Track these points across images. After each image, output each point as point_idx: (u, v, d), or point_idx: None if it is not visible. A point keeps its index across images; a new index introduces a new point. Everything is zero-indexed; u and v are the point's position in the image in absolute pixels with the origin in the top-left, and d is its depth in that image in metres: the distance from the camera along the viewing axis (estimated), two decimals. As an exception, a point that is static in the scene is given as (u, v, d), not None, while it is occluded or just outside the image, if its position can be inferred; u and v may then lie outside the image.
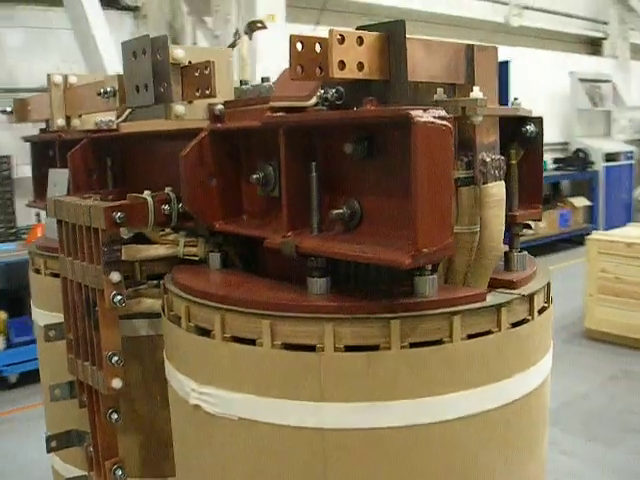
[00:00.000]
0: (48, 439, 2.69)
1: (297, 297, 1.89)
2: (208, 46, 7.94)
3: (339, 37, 1.61)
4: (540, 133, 2.16)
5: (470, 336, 1.86)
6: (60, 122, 2.69)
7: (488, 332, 1.89)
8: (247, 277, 2.19)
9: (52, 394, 2.61)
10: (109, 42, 5.79)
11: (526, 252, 2.18)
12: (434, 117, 1.59)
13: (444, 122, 1.61)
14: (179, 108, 2.11)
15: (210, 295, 1.97)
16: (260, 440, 1.89)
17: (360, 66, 1.65)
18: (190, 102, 2.14)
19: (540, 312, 2.07)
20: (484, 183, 1.92)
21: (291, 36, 1.64)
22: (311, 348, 1.81)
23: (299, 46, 1.63)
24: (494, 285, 2.05)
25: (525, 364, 1.97)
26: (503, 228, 1.97)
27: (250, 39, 3.97)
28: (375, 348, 1.80)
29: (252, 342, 1.87)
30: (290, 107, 2.04)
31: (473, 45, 1.88)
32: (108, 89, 2.37)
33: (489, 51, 1.92)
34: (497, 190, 1.93)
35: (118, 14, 9.10)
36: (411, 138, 1.57)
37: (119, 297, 2.29)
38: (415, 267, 1.66)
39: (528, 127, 2.15)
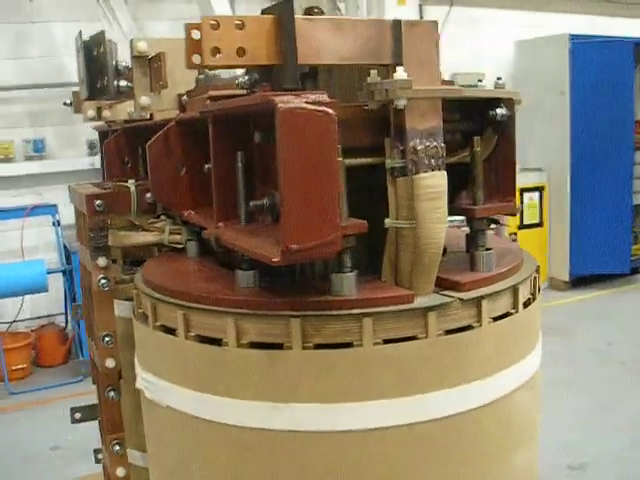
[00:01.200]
0: (72, 411, 2.90)
1: (214, 289, 1.85)
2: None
3: (213, 22, 1.54)
4: (511, 116, 1.90)
5: (387, 341, 1.71)
6: (90, 113, 2.86)
7: (412, 338, 1.72)
8: (206, 267, 2.18)
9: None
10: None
11: (492, 251, 1.94)
12: (307, 102, 1.47)
13: (320, 108, 1.48)
14: (144, 100, 2.15)
15: (148, 283, 2.00)
16: (183, 429, 1.89)
17: (241, 52, 1.56)
18: (158, 93, 2.17)
19: (498, 318, 1.84)
20: (416, 173, 1.74)
21: (186, 25, 1.59)
22: (218, 342, 1.77)
23: (195, 35, 1.58)
24: (444, 286, 1.86)
25: (463, 377, 1.76)
26: (443, 223, 1.77)
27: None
28: (279, 347, 1.72)
29: (174, 332, 1.87)
30: (228, 95, 1.99)
31: (400, 21, 1.69)
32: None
33: (423, 26, 1.72)
34: (431, 181, 1.74)
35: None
36: (276, 125, 1.47)
37: (103, 281, 2.40)
38: (288, 264, 1.55)
39: (498, 110, 1.91)
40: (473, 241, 1.95)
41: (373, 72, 1.73)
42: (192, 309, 1.80)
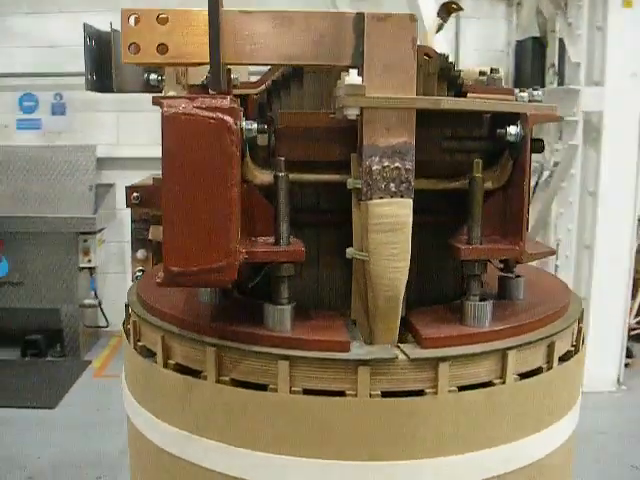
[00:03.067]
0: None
1: (167, 301, 1.72)
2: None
3: (134, 16, 1.40)
4: (526, 137, 1.50)
5: (309, 391, 1.45)
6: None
7: (339, 393, 1.45)
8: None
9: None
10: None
11: (488, 302, 1.56)
12: (198, 107, 1.28)
13: (213, 114, 1.28)
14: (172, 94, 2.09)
15: (133, 303, 1.88)
16: (149, 456, 1.79)
17: (162, 49, 1.40)
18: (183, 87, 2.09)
19: (468, 388, 1.48)
20: (369, 199, 1.44)
21: (123, 10, 1.46)
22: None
23: (132, 21, 1.45)
24: (413, 338, 1.55)
25: (397, 452, 1.44)
26: (401, 262, 1.46)
27: (445, 22, 3.46)
28: (199, 374, 1.56)
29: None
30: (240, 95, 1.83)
31: (363, 14, 1.40)
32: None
33: (394, 21, 1.40)
34: (385, 209, 1.43)
35: (489, 1, 8.90)
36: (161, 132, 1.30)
37: (139, 273, 2.41)
38: (169, 286, 1.37)
39: (511, 129, 1.52)
40: (466, 288, 1.59)
41: (344, 75, 1.47)
42: (143, 320, 1.70)
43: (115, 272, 7.84)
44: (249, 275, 1.60)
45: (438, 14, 3.40)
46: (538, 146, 1.60)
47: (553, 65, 7.66)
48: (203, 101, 1.28)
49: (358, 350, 1.46)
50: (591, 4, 6.77)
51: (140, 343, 1.73)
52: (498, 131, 1.52)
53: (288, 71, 1.65)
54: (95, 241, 7.07)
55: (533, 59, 8.22)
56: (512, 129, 1.51)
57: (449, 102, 1.44)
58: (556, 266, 6.57)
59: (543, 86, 7.21)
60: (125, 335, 1.83)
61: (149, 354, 1.70)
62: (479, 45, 8.61)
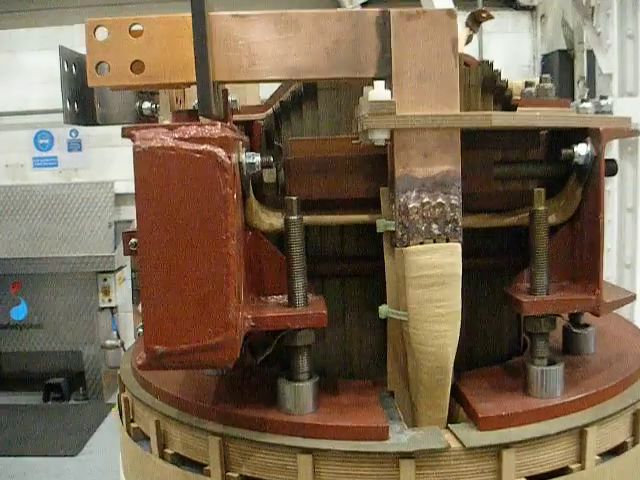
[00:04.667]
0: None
1: (197, 390, 1.38)
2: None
3: (102, 28, 1.12)
4: (599, 157, 1.19)
5: (338, 491, 1.14)
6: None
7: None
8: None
9: None
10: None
11: (558, 366, 1.24)
12: (180, 139, 0.99)
13: (199, 147, 0.99)
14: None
15: (125, 374, 1.57)
16: None
17: (138, 67, 1.11)
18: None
19: (535, 478, 1.15)
20: (406, 245, 1.14)
21: (88, 22, 1.17)
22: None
23: (100, 34, 1.17)
24: (469, 414, 1.23)
25: None
26: (449, 324, 1.14)
27: (475, 32, 3.17)
28: (202, 467, 1.25)
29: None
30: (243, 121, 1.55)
31: (388, 12, 1.10)
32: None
33: (428, 19, 1.10)
34: (426, 258, 1.13)
35: (512, 14, 8.64)
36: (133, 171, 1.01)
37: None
38: (153, 369, 1.07)
39: (579, 149, 1.20)
40: (531, 348, 1.27)
41: (367, 89, 1.17)
42: (136, 398, 1.41)
43: (137, 311, 7.62)
44: (262, 340, 1.30)
45: (466, 24, 3.12)
46: (611, 168, 1.29)
47: (583, 78, 7.35)
48: (186, 131, 0.99)
49: (399, 437, 1.14)
50: (621, 12, 6.44)
51: (134, 425, 1.43)
52: (564, 152, 1.21)
53: (299, 89, 1.36)
54: (115, 279, 6.86)
55: (561, 73, 7.92)
56: (581, 148, 1.20)
57: (503, 118, 1.14)
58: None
59: (573, 100, 6.89)
60: (119, 411, 1.54)
61: (145, 438, 1.40)
62: (503, 61, 8.29)
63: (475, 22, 3.14)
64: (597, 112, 1.29)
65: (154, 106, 1.84)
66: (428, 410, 1.21)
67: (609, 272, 6.20)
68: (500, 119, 1.13)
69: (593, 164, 1.19)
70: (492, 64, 1.40)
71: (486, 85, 1.38)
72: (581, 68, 7.30)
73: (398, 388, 1.29)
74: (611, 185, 6.06)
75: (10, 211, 7.55)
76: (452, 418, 1.29)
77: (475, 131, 1.24)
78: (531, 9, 8.82)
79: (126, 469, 1.50)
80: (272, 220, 1.25)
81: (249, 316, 1.15)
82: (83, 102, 1.65)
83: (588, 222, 1.22)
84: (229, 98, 1.36)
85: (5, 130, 7.74)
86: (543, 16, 8.50)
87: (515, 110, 1.42)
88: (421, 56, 1.11)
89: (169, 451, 1.31)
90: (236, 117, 1.51)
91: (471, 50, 7.46)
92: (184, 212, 0.99)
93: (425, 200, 1.12)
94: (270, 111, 1.41)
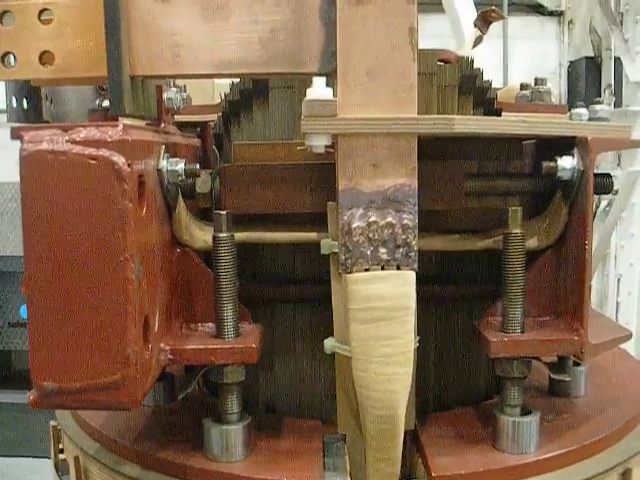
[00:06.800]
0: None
1: (123, 422, 1.22)
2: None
3: (8, 14, 0.96)
4: (587, 172, 1.00)
5: None
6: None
7: None
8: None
9: None
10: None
11: (534, 417, 1.05)
12: (72, 142, 0.83)
13: (95, 152, 0.83)
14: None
15: None
16: None
17: (48, 58, 0.96)
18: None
19: None
20: (349, 271, 0.97)
21: None
22: None
23: (5, 21, 1.00)
24: (426, 471, 1.05)
25: None
26: (400, 367, 0.97)
27: (484, 34, 2.96)
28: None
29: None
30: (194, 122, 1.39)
31: (335, -2, 0.93)
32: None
33: (380, 4, 0.92)
34: (375, 289, 0.95)
35: (539, 20, 8.41)
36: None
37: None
38: (43, 408, 0.91)
39: (560, 161, 1.02)
40: (501, 395, 1.08)
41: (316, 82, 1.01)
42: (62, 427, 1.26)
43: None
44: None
45: (475, 24, 2.92)
46: (605, 184, 1.10)
47: (609, 86, 7.11)
48: (81, 132, 0.83)
49: (339, 498, 0.97)
50: (651, 18, 6.19)
51: (62, 456, 1.28)
52: (545, 165, 1.03)
53: (249, 87, 1.19)
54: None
55: (587, 80, 7.68)
56: (565, 161, 1.01)
57: (467, 122, 0.96)
58: (617, 303, 5.95)
59: (600, 108, 6.64)
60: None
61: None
62: (529, 67, 8.11)
63: (484, 22, 2.94)
64: (591, 119, 1.10)
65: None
66: (377, 462, 1.03)
67: (630, 287, 5.95)
68: (465, 124, 0.95)
69: (580, 180, 1.01)
70: (472, 61, 1.22)
71: (465, 86, 1.21)
72: (608, 76, 7.07)
73: (350, 431, 1.12)
74: (636, 197, 5.81)
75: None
76: (411, 469, 1.12)
77: (444, 138, 1.07)
78: (558, 15, 8.59)
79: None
80: (207, 236, 1.08)
81: (167, 347, 0.98)
82: (32, 98, 1.51)
83: (574, 247, 1.04)
84: (178, 95, 1.21)
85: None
86: (571, 22, 8.28)
87: (499, 115, 1.25)
88: (372, 48, 0.94)
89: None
90: (189, 117, 1.36)
91: (495, 56, 7.30)
92: (76, 228, 0.84)
93: (372, 219, 0.95)
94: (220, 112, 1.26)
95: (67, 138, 0.84)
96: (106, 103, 1.73)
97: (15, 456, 5.41)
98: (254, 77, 1.15)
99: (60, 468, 1.29)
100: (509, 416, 1.06)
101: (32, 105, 1.50)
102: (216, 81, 1.75)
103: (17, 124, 1.69)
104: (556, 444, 1.07)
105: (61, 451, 1.32)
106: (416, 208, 0.96)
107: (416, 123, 0.94)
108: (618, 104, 6.52)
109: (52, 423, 1.35)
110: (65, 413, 1.30)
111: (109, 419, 1.20)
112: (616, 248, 6.20)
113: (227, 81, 1.36)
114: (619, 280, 5.98)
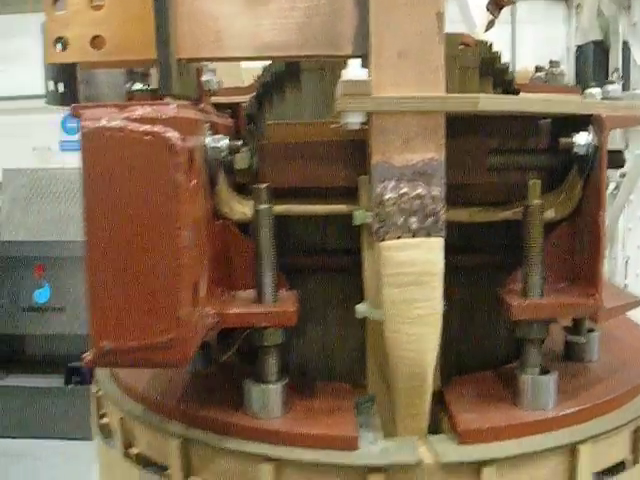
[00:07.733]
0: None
1: (165, 386, 1.31)
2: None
3: (60, 1, 1.04)
4: (601, 148, 1.07)
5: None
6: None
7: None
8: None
9: None
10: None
11: (552, 376, 1.13)
12: (130, 119, 0.91)
13: (150, 128, 0.90)
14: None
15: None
16: None
17: (98, 43, 1.04)
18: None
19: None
20: (382, 239, 1.04)
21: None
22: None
23: (60, 7, 1.08)
24: (451, 425, 1.13)
25: None
26: (430, 327, 1.05)
27: (496, 17, 3.01)
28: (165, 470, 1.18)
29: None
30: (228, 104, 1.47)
31: (367, -17, 1.00)
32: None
33: (412, -8, 1.00)
34: (406, 255, 1.03)
35: (546, 4, 8.39)
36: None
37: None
38: (99, 366, 1.00)
39: (576, 137, 1.09)
40: (521, 356, 1.16)
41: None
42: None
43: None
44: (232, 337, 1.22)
45: (487, 8, 2.97)
46: (617, 160, 1.17)
47: (617, 69, 7.12)
48: (137, 110, 0.91)
49: (370, 448, 1.05)
50: (662, 2, 6.20)
51: (104, 420, 1.37)
52: (562, 141, 1.10)
53: (281, 69, 1.27)
54: (136, 265, 6.86)
55: (595, 65, 7.68)
56: (581, 137, 1.08)
57: (490, 101, 1.03)
58: (625, 285, 6.00)
59: (607, 92, 6.66)
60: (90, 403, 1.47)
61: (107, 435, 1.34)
62: (536, 52, 8.10)
63: (496, 6, 2.99)
64: (604, 99, 1.17)
65: (147, 87, 1.76)
66: (406, 419, 1.11)
67: (638, 269, 6.00)
68: (488, 102, 1.02)
69: (594, 155, 1.08)
70: (491, 45, 1.29)
71: (484, 67, 1.27)
72: (616, 60, 7.08)
73: (379, 392, 1.20)
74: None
75: (36, 194, 7.57)
76: (437, 427, 1.20)
77: (468, 116, 1.14)
78: (566, -1, 8.56)
79: (101, 468, 1.44)
80: (245, 209, 1.16)
81: (213, 311, 1.06)
82: (68, 82, 1.58)
83: (588, 218, 1.11)
84: (214, 78, 1.28)
85: (32, 113, 7.77)
86: (578, 6, 8.27)
87: (517, 95, 1.32)
88: (402, 31, 1.01)
89: (134, 450, 1.24)
90: (221, 99, 1.43)
91: (503, 40, 7.32)
92: (133, 199, 0.91)
93: (403, 191, 1.03)
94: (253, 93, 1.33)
95: (124, 115, 0.91)
96: (136, 86, 1.81)
97: (30, 437, 5.53)
98: (291, 60, 1.22)
99: (102, 431, 1.38)
100: (529, 375, 1.13)
101: (67, 89, 1.57)
102: (243, 65, 1.82)
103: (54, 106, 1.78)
104: (572, 402, 1.15)
105: (101, 417, 1.40)
106: (444, 180, 1.04)
107: (444, 102, 1.02)
108: (626, 88, 6.55)
109: (93, 389, 1.43)
110: (107, 380, 1.38)
111: (151, 383, 1.28)
112: (624, 231, 6.26)
113: (254, 64, 1.43)
114: (627, 262, 6.03)
